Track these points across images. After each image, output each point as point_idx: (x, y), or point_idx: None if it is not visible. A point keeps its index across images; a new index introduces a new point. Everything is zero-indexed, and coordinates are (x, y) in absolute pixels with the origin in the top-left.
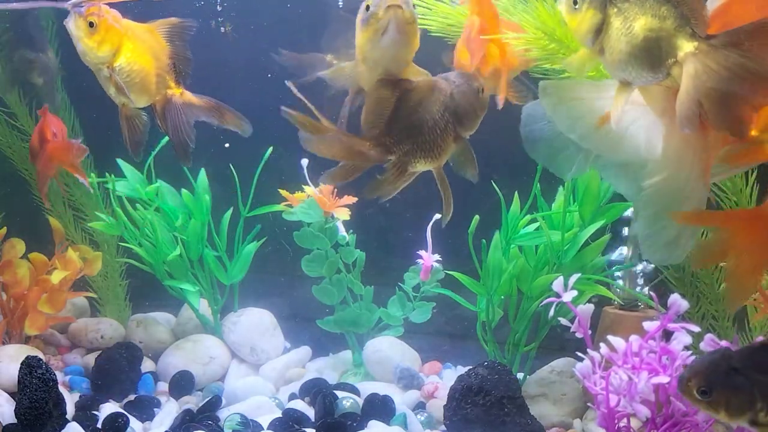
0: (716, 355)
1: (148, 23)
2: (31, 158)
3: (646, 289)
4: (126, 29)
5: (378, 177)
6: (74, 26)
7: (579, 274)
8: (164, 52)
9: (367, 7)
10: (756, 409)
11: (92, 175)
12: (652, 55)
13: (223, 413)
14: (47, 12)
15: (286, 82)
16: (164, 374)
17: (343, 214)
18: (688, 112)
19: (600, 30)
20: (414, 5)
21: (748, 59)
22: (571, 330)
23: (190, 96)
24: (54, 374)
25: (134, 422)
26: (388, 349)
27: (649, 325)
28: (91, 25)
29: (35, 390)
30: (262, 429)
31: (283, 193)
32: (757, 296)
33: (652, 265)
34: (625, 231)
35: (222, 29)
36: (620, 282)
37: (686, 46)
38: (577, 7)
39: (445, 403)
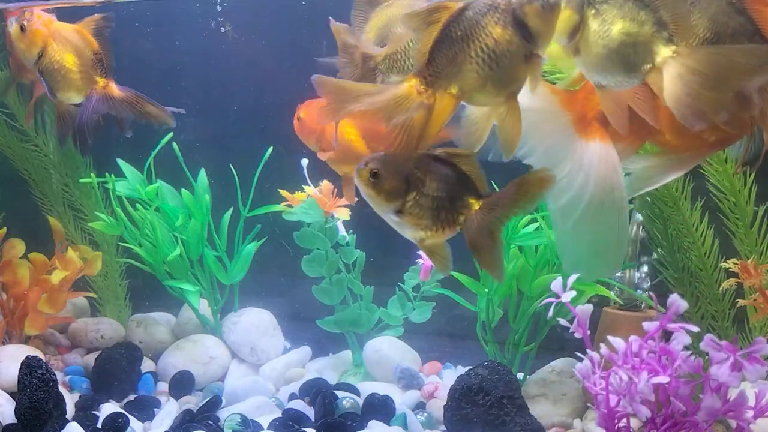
0: (400, 158)
1: (78, 23)
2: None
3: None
4: (52, 31)
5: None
6: (11, 30)
7: (578, 275)
8: (88, 49)
9: None
10: (405, 200)
11: (92, 175)
12: (628, 60)
13: (223, 413)
14: None
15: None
16: (164, 374)
17: (343, 214)
18: (693, 109)
19: (576, 31)
20: None
21: (728, 60)
22: (570, 330)
23: (112, 89)
24: (54, 374)
25: (134, 422)
26: (388, 349)
27: (649, 326)
28: (22, 29)
29: (35, 390)
30: (262, 429)
31: (283, 193)
32: (757, 296)
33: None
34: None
35: (222, 29)
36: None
37: (664, 51)
38: None
39: (445, 403)
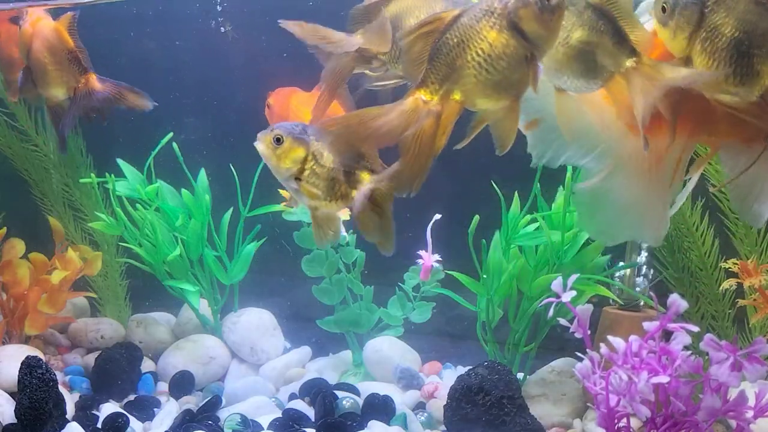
0: (301, 128)
1: (57, 20)
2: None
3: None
4: (36, 30)
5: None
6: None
7: (578, 275)
8: (61, 46)
9: None
10: (303, 167)
11: (92, 175)
12: (588, 67)
13: (223, 413)
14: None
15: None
16: (164, 374)
17: (343, 214)
18: (644, 121)
19: None
20: None
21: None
22: (570, 330)
23: (93, 82)
24: (54, 374)
25: (134, 422)
26: (388, 349)
27: (649, 325)
28: (19, 27)
29: (35, 390)
30: (262, 429)
31: (283, 193)
32: (757, 296)
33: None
34: None
35: (222, 29)
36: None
37: (626, 62)
38: None
39: (445, 403)
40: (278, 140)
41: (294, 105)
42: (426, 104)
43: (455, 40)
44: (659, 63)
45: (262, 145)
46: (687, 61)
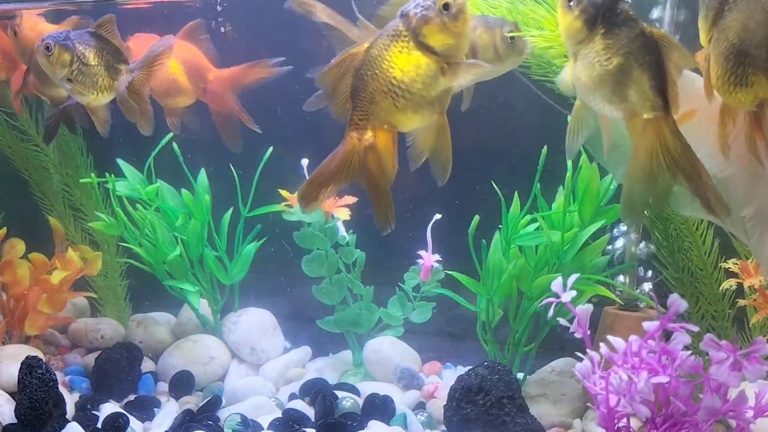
0: (65, 35)
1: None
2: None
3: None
4: (38, 33)
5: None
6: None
7: (578, 275)
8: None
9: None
10: (71, 68)
11: (92, 175)
12: (617, 97)
13: (223, 413)
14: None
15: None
16: (164, 374)
17: (343, 214)
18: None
19: (582, 41)
20: None
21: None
22: (570, 330)
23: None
24: (54, 374)
25: (134, 422)
26: (388, 349)
27: (649, 325)
28: (14, 33)
29: (35, 390)
30: (262, 429)
31: (283, 193)
32: (756, 296)
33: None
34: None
35: (222, 29)
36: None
37: (653, 112)
38: (571, 5)
39: (445, 403)
40: (48, 48)
41: None
42: (360, 141)
43: (369, 74)
44: (680, 137)
45: (39, 55)
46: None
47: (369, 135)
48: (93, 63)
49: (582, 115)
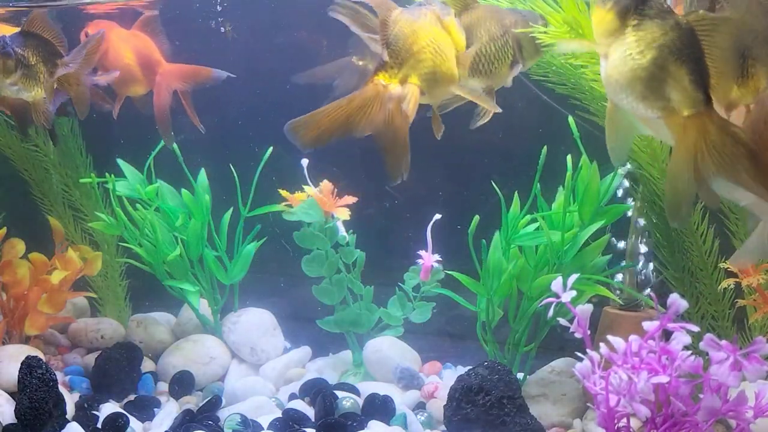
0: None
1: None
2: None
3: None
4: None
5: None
6: None
7: (578, 275)
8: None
9: None
10: (17, 74)
11: (92, 175)
12: (653, 94)
13: (223, 413)
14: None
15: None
16: (164, 374)
17: (343, 214)
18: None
19: (613, 34)
20: None
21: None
22: (570, 330)
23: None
24: (54, 374)
25: (134, 422)
26: (388, 349)
27: (649, 325)
28: None
29: (35, 390)
30: (262, 429)
31: (283, 193)
32: (756, 296)
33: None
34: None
35: (222, 29)
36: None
37: (686, 110)
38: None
39: (445, 403)
40: None
41: (114, 39)
42: (386, 89)
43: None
44: (726, 132)
45: None
46: None
47: (395, 84)
48: (33, 62)
49: (616, 118)
